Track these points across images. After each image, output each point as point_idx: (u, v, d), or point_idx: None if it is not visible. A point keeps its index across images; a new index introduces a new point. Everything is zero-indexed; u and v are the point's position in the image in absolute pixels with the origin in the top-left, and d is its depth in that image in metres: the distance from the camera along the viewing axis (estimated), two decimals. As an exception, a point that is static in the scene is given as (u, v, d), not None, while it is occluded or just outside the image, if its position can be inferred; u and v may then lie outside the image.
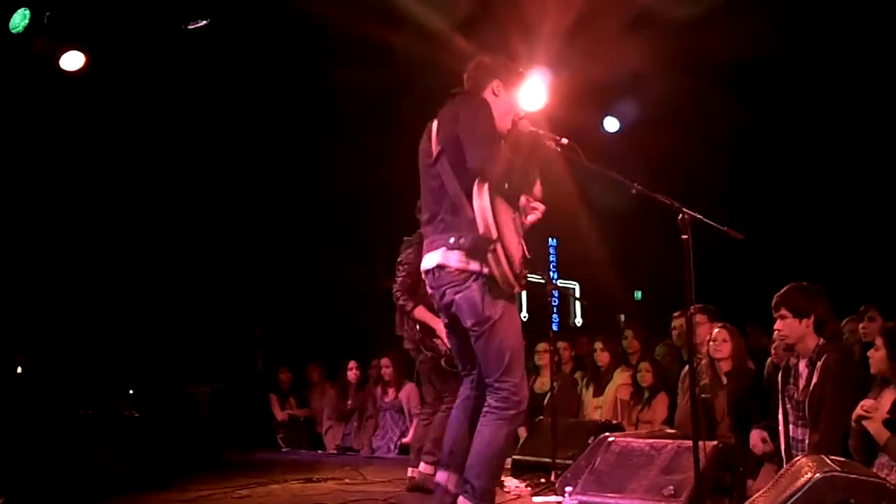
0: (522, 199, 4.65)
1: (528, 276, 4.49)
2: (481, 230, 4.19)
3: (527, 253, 4.46)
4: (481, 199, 4.21)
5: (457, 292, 4.36)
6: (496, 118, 4.50)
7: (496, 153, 4.28)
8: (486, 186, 4.22)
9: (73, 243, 9.25)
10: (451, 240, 4.36)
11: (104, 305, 9.39)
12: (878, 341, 5.08)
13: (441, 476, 4.51)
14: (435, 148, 4.51)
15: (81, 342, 8.66)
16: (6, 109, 8.34)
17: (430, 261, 4.51)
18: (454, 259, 4.34)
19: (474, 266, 4.29)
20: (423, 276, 4.65)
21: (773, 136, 9.76)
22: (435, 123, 4.60)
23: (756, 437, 5.66)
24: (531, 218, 4.68)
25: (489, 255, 4.19)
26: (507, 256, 4.19)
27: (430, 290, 4.59)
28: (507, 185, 4.35)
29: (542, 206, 4.71)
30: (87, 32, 8.39)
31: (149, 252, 9.96)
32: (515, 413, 4.33)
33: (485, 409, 4.37)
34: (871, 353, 5.12)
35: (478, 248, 4.23)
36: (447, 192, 4.42)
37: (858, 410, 4.81)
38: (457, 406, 4.64)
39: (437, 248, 4.45)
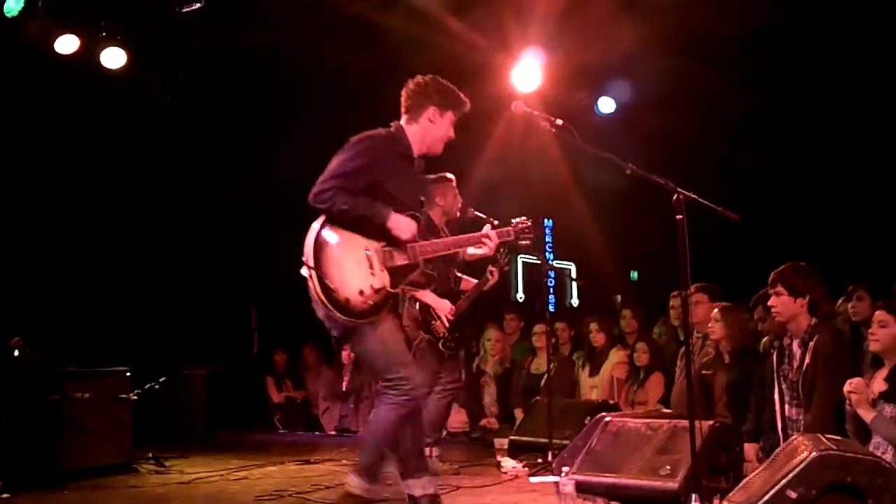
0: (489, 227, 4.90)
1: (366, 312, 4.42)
2: (304, 255, 4.35)
3: (388, 286, 4.47)
4: (313, 226, 4.40)
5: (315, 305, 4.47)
6: (429, 143, 4.70)
7: (333, 194, 4.38)
8: (323, 216, 4.40)
9: (69, 225, 9.21)
10: None
11: (100, 288, 9.36)
12: (888, 318, 4.87)
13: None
14: None
15: (78, 325, 8.64)
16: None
17: None
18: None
19: None
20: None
21: (768, 117, 9.74)
22: None
23: (750, 452, 5.54)
24: (477, 252, 5.05)
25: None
26: (324, 285, 4.28)
27: None
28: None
29: (491, 241, 4.88)
30: (81, 16, 8.35)
31: (144, 234, 9.93)
32: (407, 399, 4.45)
33: (381, 394, 4.52)
34: (874, 330, 4.93)
35: None
36: None
37: (847, 387, 4.80)
38: None
39: None
